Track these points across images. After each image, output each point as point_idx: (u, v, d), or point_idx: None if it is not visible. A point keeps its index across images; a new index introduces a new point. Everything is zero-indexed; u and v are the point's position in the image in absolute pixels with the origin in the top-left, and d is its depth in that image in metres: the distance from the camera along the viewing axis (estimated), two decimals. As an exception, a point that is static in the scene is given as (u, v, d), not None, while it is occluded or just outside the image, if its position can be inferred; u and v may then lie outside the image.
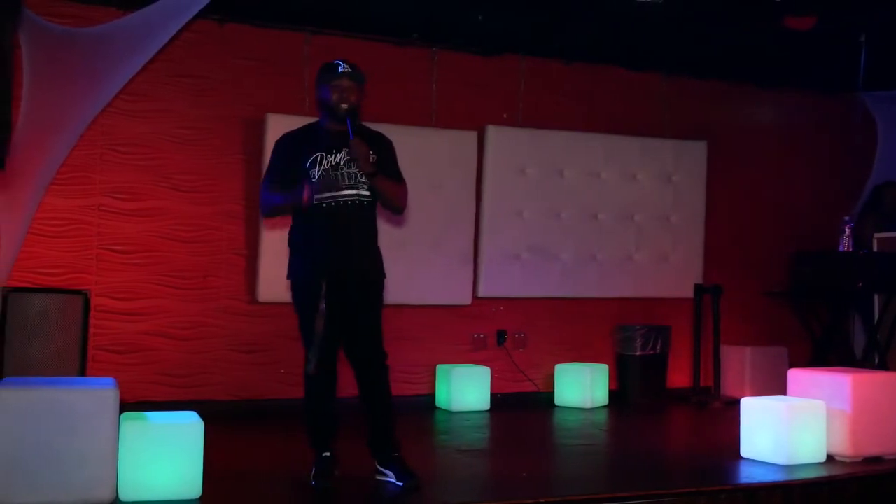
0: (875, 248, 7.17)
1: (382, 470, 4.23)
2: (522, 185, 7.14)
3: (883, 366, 6.80)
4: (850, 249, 6.96)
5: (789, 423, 4.72)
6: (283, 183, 4.25)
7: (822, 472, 4.61)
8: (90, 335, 5.64)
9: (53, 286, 5.79)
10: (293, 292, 4.32)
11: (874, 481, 4.64)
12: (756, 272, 7.88)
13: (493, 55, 7.17)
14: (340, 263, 4.19)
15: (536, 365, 7.25)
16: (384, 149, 4.31)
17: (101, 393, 3.79)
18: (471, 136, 6.99)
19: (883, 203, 7.63)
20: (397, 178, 4.32)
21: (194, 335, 6.30)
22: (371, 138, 4.26)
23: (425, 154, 6.70)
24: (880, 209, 7.62)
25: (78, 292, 5.57)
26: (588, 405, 6.85)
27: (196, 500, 3.83)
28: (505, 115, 7.22)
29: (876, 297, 7.11)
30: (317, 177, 4.18)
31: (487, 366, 6.82)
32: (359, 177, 4.21)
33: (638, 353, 7.22)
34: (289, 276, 4.31)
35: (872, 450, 4.90)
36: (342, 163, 4.20)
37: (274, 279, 4.38)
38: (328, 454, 4.26)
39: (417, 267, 6.72)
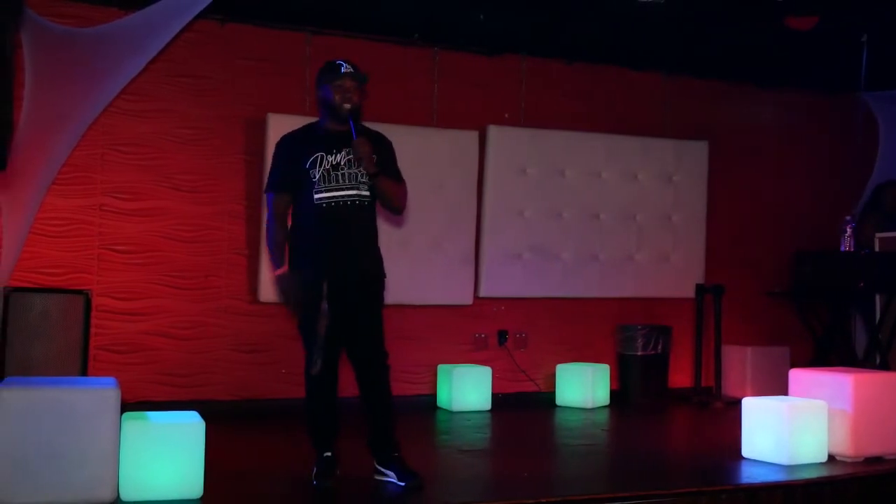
0: (876, 248, 7.16)
1: (382, 470, 4.23)
2: (523, 184, 7.14)
3: (884, 366, 6.80)
4: (852, 249, 6.95)
5: (791, 423, 4.71)
6: (284, 185, 4.26)
7: (823, 472, 4.61)
8: (91, 335, 5.64)
9: (55, 286, 5.79)
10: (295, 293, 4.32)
11: (875, 481, 4.64)
12: (757, 272, 7.88)
13: (495, 55, 7.17)
14: (341, 264, 4.19)
15: (537, 365, 7.25)
16: (384, 149, 4.32)
17: (102, 393, 3.80)
18: (472, 136, 6.99)
19: (884, 203, 7.62)
20: (397, 177, 4.33)
21: (195, 335, 6.30)
22: (371, 138, 4.26)
23: (426, 154, 6.71)
24: (881, 209, 7.61)
25: (79, 292, 5.57)
26: (589, 405, 6.85)
27: (197, 499, 3.83)
28: (506, 115, 7.22)
29: (877, 297, 7.10)
30: (317, 177, 4.18)
31: (489, 366, 6.82)
32: (359, 177, 4.21)
33: (639, 353, 7.21)
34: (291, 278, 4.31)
35: (874, 450, 4.90)
36: (342, 163, 4.21)
37: (277, 285, 4.36)
38: (329, 454, 4.26)
39: (418, 267, 6.73)
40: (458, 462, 5.02)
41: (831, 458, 4.84)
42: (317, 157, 4.21)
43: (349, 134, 4.18)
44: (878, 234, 7.22)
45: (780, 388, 5.58)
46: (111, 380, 4.06)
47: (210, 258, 6.37)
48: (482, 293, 7.05)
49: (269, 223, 4.32)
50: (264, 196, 4.79)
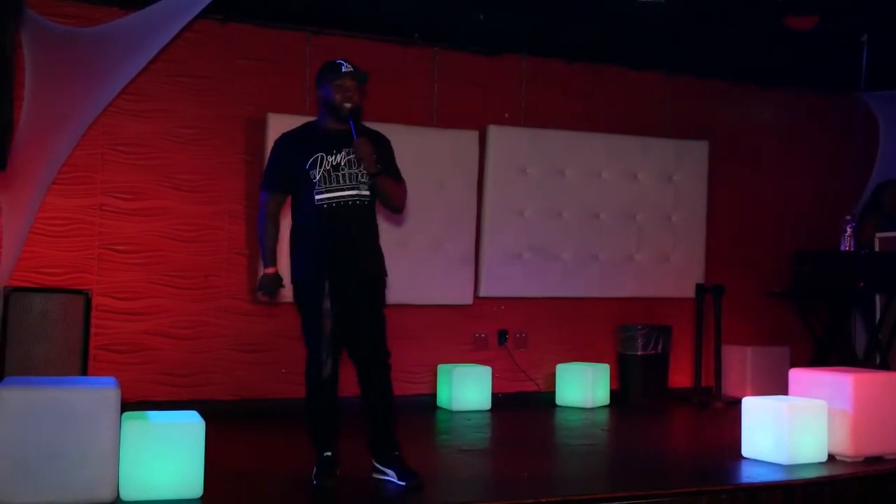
0: (877, 248, 7.16)
1: (382, 469, 4.23)
2: (524, 184, 7.14)
3: (884, 366, 6.80)
4: (852, 249, 6.95)
5: (790, 423, 4.72)
6: (280, 184, 4.27)
7: (823, 472, 4.61)
8: (91, 335, 5.64)
9: (55, 286, 5.79)
10: (296, 292, 4.32)
11: (875, 481, 4.64)
12: (757, 272, 7.88)
13: (495, 55, 7.17)
14: (343, 264, 4.20)
15: (537, 364, 7.25)
16: (384, 148, 4.32)
17: (102, 392, 3.80)
18: (472, 136, 6.99)
19: (884, 203, 7.62)
20: (397, 177, 4.33)
21: (195, 335, 6.31)
22: (371, 137, 4.27)
23: (427, 154, 6.71)
24: (882, 209, 7.61)
25: (79, 292, 5.57)
26: (589, 405, 6.85)
27: (197, 499, 3.83)
28: (506, 115, 7.22)
29: (877, 297, 7.11)
30: (317, 178, 4.18)
31: (489, 365, 6.82)
32: (359, 177, 4.22)
33: (639, 353, 7.22)
34: (292, 277, 4.31)
35: (874, 449, 4.90)
36: (343, 163, 4.21)
37: (258, 284, 4.38)
38: (329, 454, 4.26)
39: (419, 266, 6.73)
40: (458, 462, 5.02)
41: (831, 457, 4.84)
42: (317, 157, 4.21)
43: (349, 133, 4.19)
44: (878, 234, 7.22)
45: (780, 388, 5.58)
46: (111, 380, 4.06)
47: (210, 258, 6.37)
48: (482, 293, 7.05)
49: (261, 222, 4.33)
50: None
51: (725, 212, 7.87)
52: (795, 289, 7.32)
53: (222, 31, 6.41)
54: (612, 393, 7.07)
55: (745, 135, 8.04)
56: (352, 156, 4.21)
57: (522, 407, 6.93)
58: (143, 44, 5.49)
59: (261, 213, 4.34)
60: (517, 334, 7.23)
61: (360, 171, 4.21)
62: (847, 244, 6.95)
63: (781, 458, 4.71)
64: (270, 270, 4.28)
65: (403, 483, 4.13)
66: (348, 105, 4.21)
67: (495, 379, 6.83)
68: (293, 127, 4.44)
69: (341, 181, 4.20)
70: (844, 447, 4.85)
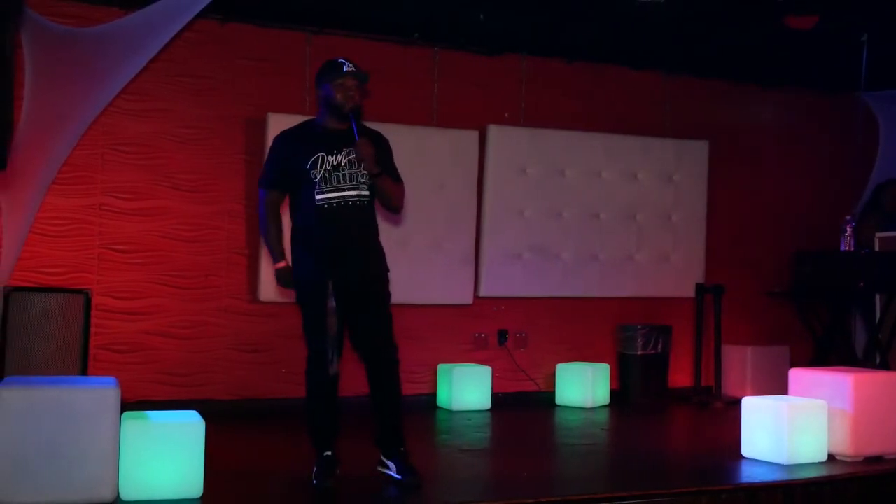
0: (876, 248, 7.16)
1: (386, 462, 4.24)
2: (524, 184, 7.14)
3: (884, 365, 6.80)
4: (852, 249, 6.95)
5: (790, 423, 4.72)
6: (279, 183, 4.27)
7: (823, 472, 4.61)
8: (91, 334, 5.64)
9: (55, 285, 5.79)
10: (298, 293, 4.32)
11: (875, 481, 4.64)
12: (757, 272, 7.88)
13: (495, 55, 7.17)
14: (345, 263, 4.21)
15: (537, 364, 7.25)
16: (383, 149, 4.32)
17: (102, 392, 3.80)
18: (472, 136, 6.99)
19: (884, 202, 7.62)
20: (396, 177, 4.34)
21: (195, 334, 6.31)
22: (370, 137, 4.27)
23: (426, 154, 6.71)
24: (882, 209, 7.61)
25: (79, 291, 5.58)
26: (589, 405, 6.85)
27: (197, 499, 3.83)
28: (506, 115, 7.22)
29: (877, 297, 7.11)
30: (318, 178, 4.18)
31: (488, 365, 6.82)
32: (360, 177, 4.22)
33: (639, 353, 7.22)
34: (293, 277, 4.31)
35: (873, 449, 4.90)
36: (343, 163, 4.21)
37: (275, 279, 4.38)
38: (329, 454, 4.26)
39: (419, 266, 6.73)
40: (458, 462, 5.02)
41: (831, 457, 4.84)
42: (318, 157, 4.21)
43: (349, 133, 4.19)
44: (878, 234, 7.22)
45: (780, 388, 5.58)
46: (111, 379, 4.06)
47: (210, 258, 6.37)
48: (482, 293, 7.05)
49: (262, 219, 4.34)
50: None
51: (725, 212, 7.87)
52: (795, 289, 7.32)
53: (222, 31, 6.41)
54: (612, 393, 7.07)
55: (745, 135, 8.04)
56: (352, 156, 4.22)
57: (522, 407, 6.93)
58: (143, 44, 5.48)
59: (261, 211, 4.35)
60: (517, 334, 7.23)
61: (361, 172, 4.21)
62: (847, 244, 6.95)
63: (781, 457, 4.71)
64: (281, 265, 4.29)
65: (400, 477, 4.14)
66: (350, 105, 4.21)
67: (495, 379, 6.83)
68: (291, 126, 4.44)
69: (342, 181, 4.20)
70: (844, 447, 4.84)
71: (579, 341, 7.39)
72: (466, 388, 6.62)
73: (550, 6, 6.16)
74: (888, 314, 6.98)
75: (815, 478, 4.51)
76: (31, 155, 5.40)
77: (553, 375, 7.10)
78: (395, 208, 4.41)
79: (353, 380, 4.78)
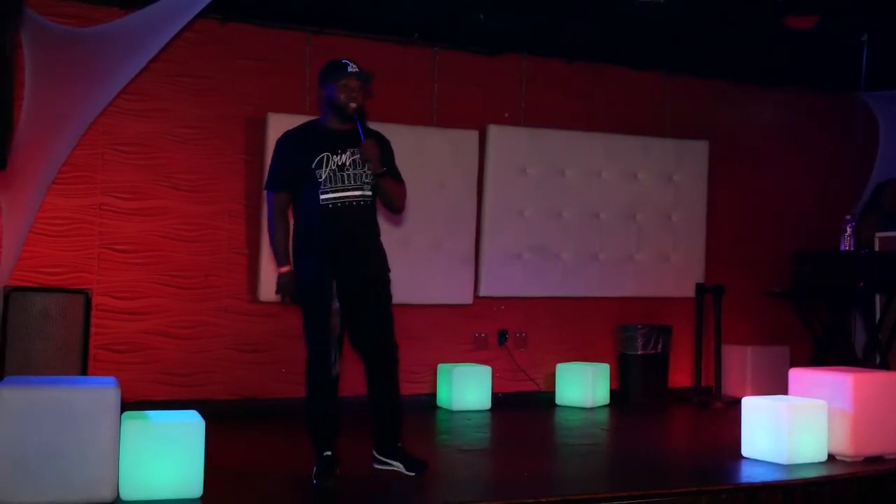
0: (876, 248, 7.16)
1: (387, 460, 4.25)
2: (524, 184, 7.14)
3: (884, 365, 6.80)
4: (852, 249, 6.95)
5: (790, 423, 4.72)
6: (288, 184, 4.27)
7: (823, 472, 4.61)
8: (91, 334, 5.65)
9: (55, 285, 5.79)
10: (301, 293, 4.32)
11: (875, 481, 4.64)
12: (757, 272, 7.88)
13: (495, 55, 7.17)
14: (348, 263, 4.22)
15: (537, 364, 7.25)
16: (385, 149, 4.33)
17: (102, 392, 3.80)
18: (472, 136, 6.99)
19: (884, 202, 7.62)
20: (398, 178, 4.35)
21: (195, 334, 6.31)
22: (373, 138, 4.28)
23: (426, 154, 6.71)
24: (882, 208, 7.61)
25: (79, 291, 5.58)
26: (589, 405, 6.85)
27: (197, 499, 3.83)
28: (506, 115, 7.22)
29: (877, 297, 7.11)
30: (323, 177, 4.19)
31: (488, 365, 6.82)
32: (363, 177, 4.24)
33: (639, 353, 7.22)
34: (296, 277, 4.30)
35: (873, 449, 4.90)
36: (347, 163, 4.22)
37: (275, 278, 4.38)
38: (329, 453, 4.27)
39: (419, 266, 6.73)
40: (458, 462, 5.02)
41: (831, 457, 4.84)
42: (322, 157, 4.22)
43: (352, 133, 4.20)
44: (878, 234, 7.22)
45: (780, 388, 5.58)
46: (111, 379, 4.06)
47: (210, 258, 6.37)
48: (482, 293, 7.05)
49: (271, 221, 4.34)
50: (264, 193, 4.78)
51: (725, 212, 7.87)
52: (795, 289, 7.32)
53: (222, 31, 6.41)
54: (612, 393, 7.07)
55: (745, 135, 8.04)
56: (356, 156, 4.23)
57: (522, 407, 6.93)
58: (143, 44, 5.48)
59: (269, 213, 4.35)
60: (517, 334, 7.23)
61: (365, 172, 4.23)
62: (847, 244, 6.95)
63: (781, 457, 4.71)
64: (285, 269, 4.29)
65: (413, 474, 4.16)
66: (353, 105, 4.23)
67: (495, 379, 6.83)
68: (294, 126, 4.44)
69: (346, 181, 4.22)
70: (844, 447, 4.84)
71: (579, 341, 7.39)
72: (466, 388, 6.62)
73: (550, 6, 6.16)
74: (888, 314, 6.98)
75: (814, 478, 4.51)
76: (31, 155, 5.40)
77: (553, 375, 7.10)
78: (397, 209, 4.43)
79: (353, 380, 4.78)
